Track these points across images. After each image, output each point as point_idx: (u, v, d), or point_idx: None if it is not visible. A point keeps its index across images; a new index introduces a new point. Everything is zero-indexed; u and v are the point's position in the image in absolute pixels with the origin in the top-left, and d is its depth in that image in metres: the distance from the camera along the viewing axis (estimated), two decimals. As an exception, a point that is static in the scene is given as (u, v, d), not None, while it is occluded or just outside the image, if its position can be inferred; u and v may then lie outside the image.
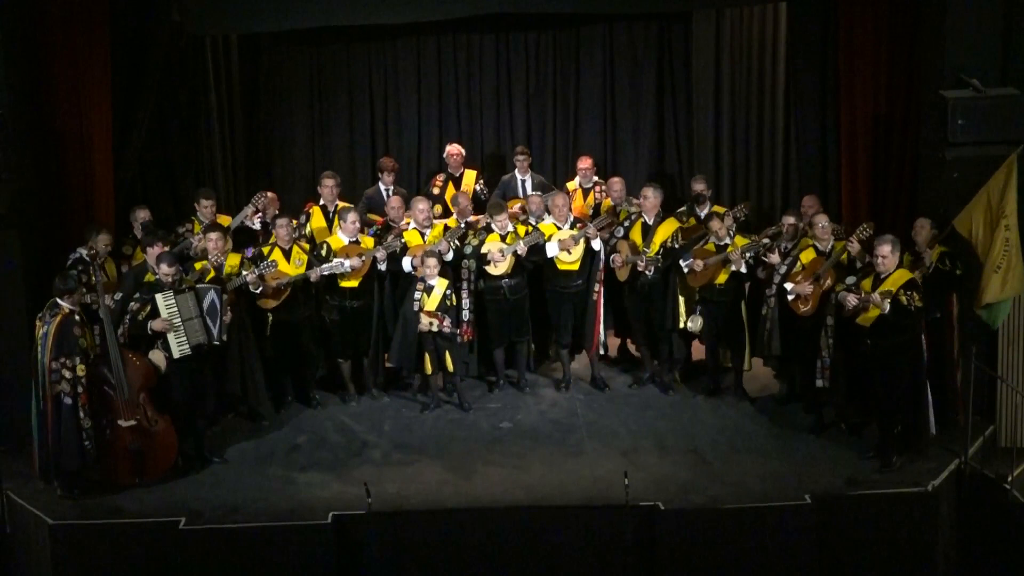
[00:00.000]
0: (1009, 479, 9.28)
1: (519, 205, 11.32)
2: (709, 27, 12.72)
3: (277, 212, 10.91)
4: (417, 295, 10.26)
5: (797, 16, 11.71)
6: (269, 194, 11.15)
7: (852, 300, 9.19)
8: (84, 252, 9.92)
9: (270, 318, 10.26)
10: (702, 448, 9.88)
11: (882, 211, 10.62)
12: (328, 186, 11.07)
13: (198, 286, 9.62)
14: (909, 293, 9.04)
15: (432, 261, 10.19)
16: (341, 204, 11.09)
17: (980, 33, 9.71)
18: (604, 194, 11.55)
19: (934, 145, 9.76)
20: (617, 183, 11.42)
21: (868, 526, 8.98)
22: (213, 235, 10.05)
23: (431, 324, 10.16)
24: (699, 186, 11.18)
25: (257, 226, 10.89)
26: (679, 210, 11.12)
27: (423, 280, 10.28)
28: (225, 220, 10.76)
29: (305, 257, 10.35)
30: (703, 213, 11.01)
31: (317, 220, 11.09)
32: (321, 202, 11.16)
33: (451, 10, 11.27)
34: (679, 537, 8.89)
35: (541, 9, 11.88)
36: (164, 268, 9.47)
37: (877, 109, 10.63)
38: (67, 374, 8.98)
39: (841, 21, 10.80)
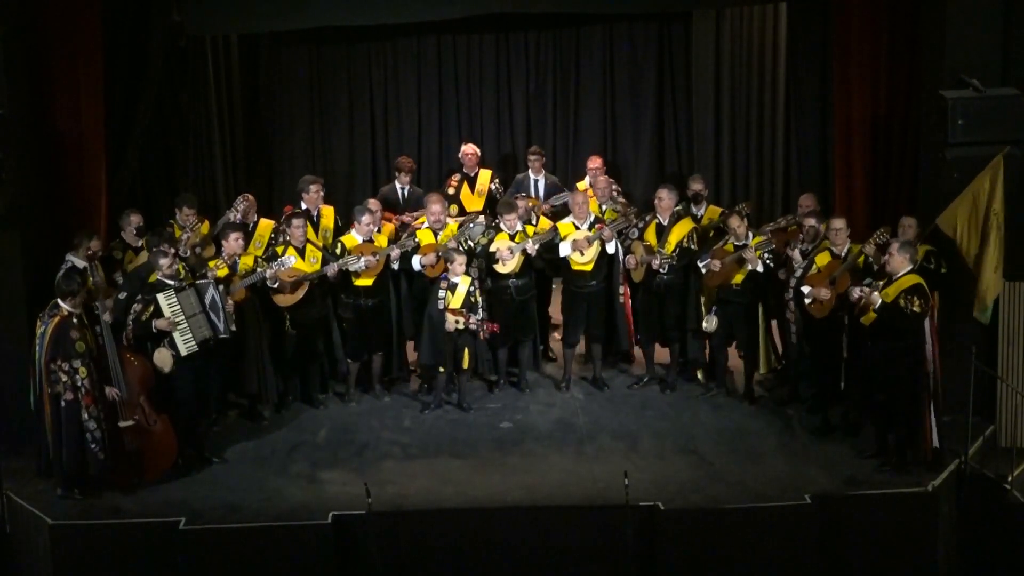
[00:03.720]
0: (1009, 479, 9.28)
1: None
2: (709, 27, 12.75)
3: (255, 213, 10.88)
4: (441, 294, 10.28)
5: (797, 16, 11.73)
6: (249, 197, 11.08)
7: (856, 292, 9.20)
8: (76, 259, 9.88)
9: (287, 317, 10.28)
10: (702, 448, 9.87)
11: (881, 211, 10.62)
12: (314, 191, 11.02)
13: (197, 282, 9.63)
14: (909, 297, 9.01)
15: (460, 259, 10.22)
16: (325, 208, 11.05)
17: (980, 33, 9.70)
18: (618, 193, 11.55)
19: (934, 145, 9.76)
20: (603, 182, 11.40)
21: (868, 526, 8.98)
22: (233, 235, 10.09)
23: (457, 322, 10.18)
24: (697, 185, 11.18)
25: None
26: (676, 209, 11.12)
27: (446, 278, 10.30)
28: (205, 227, 10.76)
29: (320, 255, 10.37)
30: (700, 213, 11.02)
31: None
32: (304, 207, 11.08)
33: (451, 10, 11.28)
34: (679, 537, 8.89)
35: (541, 9, 11.89)
36: (163, 262, 9.47)
37: (876, 109, 10.63)
38: (64, 376, 8.98)
39: (841, 21, 10.80)
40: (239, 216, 10.76)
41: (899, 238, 9.38)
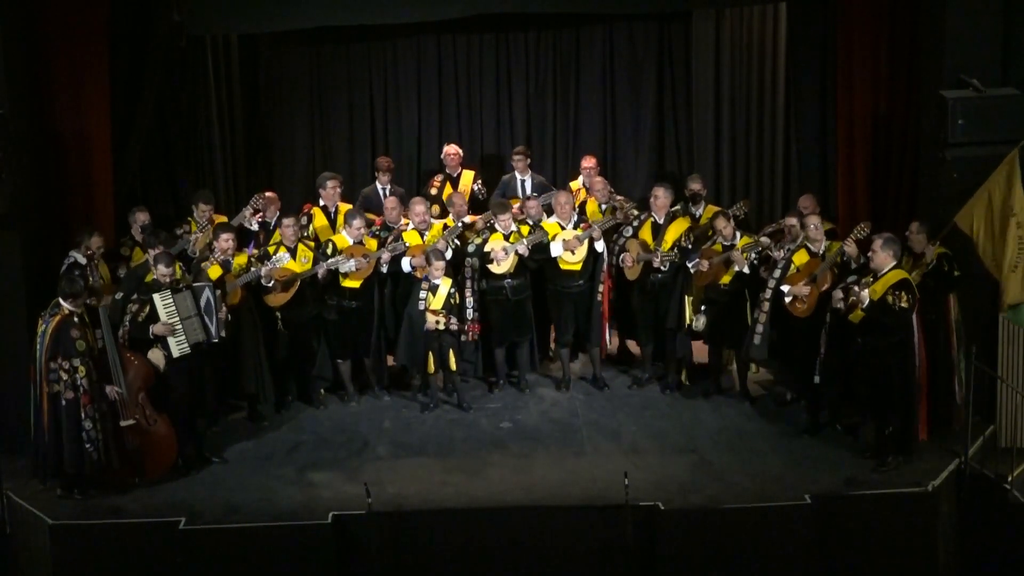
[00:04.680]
0: (1009, 479, 9.28)
1: (516, 206, 11.32)
2: (709, 27, 12.72)
3: (278, 211, 10.97)
4: (422, 294, 10.28)
5: (797, 16, 11.72)
6: (268, 194, 11.19)
7: (839, 294, 9.21)
8: (78, 255, 9.91)
9: (280, 316, 10.28)
10: (702, 448, 9.88)
11: (882, 211, 10.62)
12: (331, 187, 11.12)
13: (194, 284, 9.64)
14: (896, 293, 9.01)
15: (440, 263, 10.23)
16: (343, 205, 11.12)
17: (980, 33, 9.70)
18: (612, 192, 11.56)
19: (934, 145, 9.76)
20: (599, 183, 11.41)
21: (868, 526, 8.98)
22: (225, 235, 10.10)
23: (438, 323, 10.18)
24: (695, 185, 11.19)
25: (255, 227, 10.92)
26: (673, 208, 11.12)
27: (427, 280, 10.30)
28: (221, 220, 10.79)
29: (311, 255, 10.40)
30: (699, 212, 11.02)
31: (319, 221, 11.13)
32: (322, 203, 11.20)
33: (451, 10, 11.28)
34: (679, 537, 8.89)
35: (541, 9, 11.89)
36: (161, 269, 9.49)
37: (877, 109, 10.63)
38: (64, 375, 8.98)
39: (841, 21, 10.80)
40: (260, 214, 10.80)
41: (883, 235, 9.32)
